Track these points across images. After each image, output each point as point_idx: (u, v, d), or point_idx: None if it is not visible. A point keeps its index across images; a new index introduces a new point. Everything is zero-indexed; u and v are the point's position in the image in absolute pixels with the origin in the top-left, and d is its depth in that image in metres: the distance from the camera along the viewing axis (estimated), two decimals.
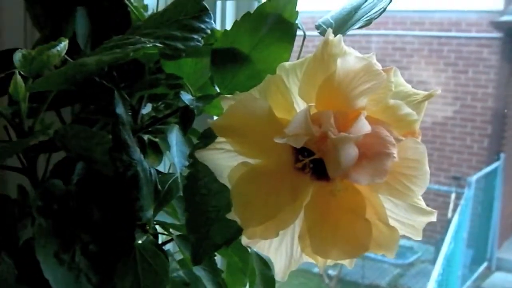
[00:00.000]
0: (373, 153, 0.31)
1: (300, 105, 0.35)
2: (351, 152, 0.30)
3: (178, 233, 0.47)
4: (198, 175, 0.38)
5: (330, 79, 0.33)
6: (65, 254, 0.39)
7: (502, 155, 4.68)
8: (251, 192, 0.35)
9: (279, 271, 0.36)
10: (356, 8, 0.44)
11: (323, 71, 0.34)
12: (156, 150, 0.55)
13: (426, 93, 0.34)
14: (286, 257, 0.36)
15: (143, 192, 0.39)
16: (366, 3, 0.43)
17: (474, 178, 4.00)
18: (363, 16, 0.42)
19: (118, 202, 0.42)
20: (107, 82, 0.49)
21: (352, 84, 0.32)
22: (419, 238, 0.35)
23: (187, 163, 0.44)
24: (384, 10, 0.41)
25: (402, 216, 0.34)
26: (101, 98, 0.49)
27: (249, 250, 0.51)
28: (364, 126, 0.31)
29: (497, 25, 4.68)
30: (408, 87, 0.35)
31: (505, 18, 4.61)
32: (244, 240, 0.36)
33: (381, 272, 4.56)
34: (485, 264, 4.66)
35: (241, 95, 0.36)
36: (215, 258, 0.50)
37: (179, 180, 0.44)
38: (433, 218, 0.34)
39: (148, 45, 0.35)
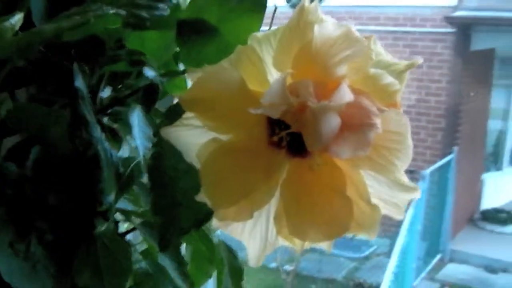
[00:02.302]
0: (355, 124, 0.29)
1: (274, 76, 0.33)
2: (333, 122, 0.28)
3: (141, 220, 0.44)
4: (164, 155, 0.36)
5: (307, 47, 0.31)
6: (20, 243, 0.36)
7: (455, 149, 4.81)
8: (222, 170, 0.32)
9: (253, 256, 0.33)
10: None
11: (299, 39, 0.31)
12: (115, 137, 0.51)
13: (407, 62, 0.32)
14: (260, 240, 0.33)
15: (104, 174, 0.36)
16: None
17: (428, 171, 4.09)
18: None
19: (77, 186, 0.38)
20: (65, 61, 0.45)
21: (331, 52, 0.30)
22: (402, 217, 0.33)
23: (150, 146, 0.41)
24: None
25: (385, 193, 0.32)
26: (58, 78, 0.45)
27: (215, 239, 0.48)
28: (346, 95, 0.28)
29: (451, 20, 4.80)
30: (388, 57, 0.33)
31: (458, 13, 4.73)
32: (215, 223, 0.33)
33: (338, 266, 4.62)
34: (438, 256, 4.78)
35: (210, 67, 0.33)
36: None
37: (142, 163, 0.41)
38: (417, 195, 0.32)
39: (111, 12, 0.32)
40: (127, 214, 0.42)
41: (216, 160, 0.32)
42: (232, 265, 0.47)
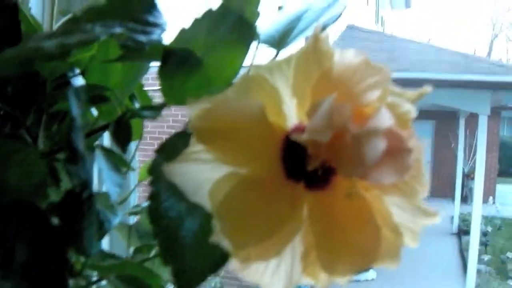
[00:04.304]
0: (392, 149, 0.28)
1: (289, 105, 0.31)
2: (378, 146, 0.27)
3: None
4: (162, 195, 0.32)
5: (327, 74, 0.30)
6: None
7: None
8: (245, 207, 0.30)
9: None
10: (298, 18, 0.42)
11: (316, 67, 0.31)
12: (55, 179, 0.46)
13: (416, 92, 0.33)
14: (285, 280, 0.31)
15: (93, 219, 0.31)
16: (308, 12, 0.42)
17: None
18: (310, 25, 0.40)
19: (48, 237, 0.33)
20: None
21: (354, 79, 0.30)
22: (416, 245, 0.33)
23: (119, 190, 0.37)
24: (339, 16, 0.40)
25: (406, 220, 0.32)
26: None
27: None
28: (387, 119, 0.28)
29: None
30: (394, 86, 0.34)
31: None
32: (235, 264, 0.30)
33: None
34: None
35: (217, 97, 0.31)
36: None
37: (115, 210, 0.37)
38: (437, 220, 0.32)
39: (117, 31, 0.28)
40: (97, 269, 0.37)
41: (236, 197, 0.30)
42: None
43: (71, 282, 0.35)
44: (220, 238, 0.29)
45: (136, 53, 0.31)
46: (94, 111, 0.45)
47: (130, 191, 0.52)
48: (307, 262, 0.30)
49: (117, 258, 0.46)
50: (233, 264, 0.30)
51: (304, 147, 0.29)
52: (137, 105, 0.45)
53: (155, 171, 0.32)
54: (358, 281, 5.82)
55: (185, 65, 0.36)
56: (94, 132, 0.40)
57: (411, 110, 0.31)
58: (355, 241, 0.30)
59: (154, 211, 0.31)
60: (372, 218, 0.30)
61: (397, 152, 0.28)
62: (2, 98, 0.40)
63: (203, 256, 0.31)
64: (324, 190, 0.31)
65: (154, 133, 5.12)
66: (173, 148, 0.32)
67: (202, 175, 0.31)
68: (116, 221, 0.37)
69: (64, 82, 0.42)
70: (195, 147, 0.31)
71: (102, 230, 0.35)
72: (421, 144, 0.31)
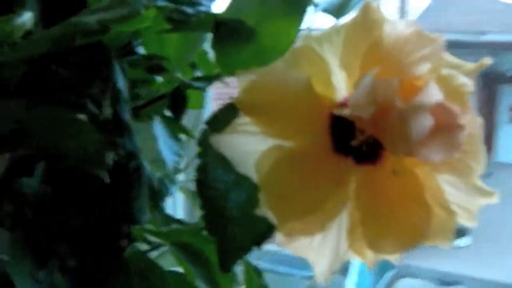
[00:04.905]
0: (442, 125, 0.27)
1: (338, 77, 0.30)
2: (424, 123, 0.26)
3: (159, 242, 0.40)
4: (210, 166, 0.32)
5: (377, 45, 0.29)
6: (41, 271, 0.32)
7: None
8: (289, 180, 0.29)
9: (323, 272, 0.31)
10: None
11: (366, 38, 0.29)
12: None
13: (476, 64, 0.31)
14: (331, 255, 0.31)
15: (142, 190, 0.32)
16: None
17: None
18: None
19: (102, 204, 0.34)
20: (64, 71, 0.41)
21: (405, 50, 0.28)
22: (474, 224, 0.31)
23: (176, 158, 0.38)
24: None
25: (460, 199, 0.30)
26: (56, 90, 0.41)
27: None
28: (435, 94, 0.26)
29: None
30: (450, 57, 0.32)
31: None
32: (279, 238, 0.30)
33: (292, 285, 4.59)
34: (392, 271, 4.83)
35: (264, 69, 0.30)
36: None
37: (172, 177, 0.38)
38: (495, 200, 0.30)
39: (161, 4, 0.29)
40: (155, 235, 0.39)
41: (281, 170, 0.29)
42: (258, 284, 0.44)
43: (130, 246, 0.36)
44: (265, 210, 0.29)
45: (183, 24, 0.31)
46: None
47: (193, 158, 0.53)
48: (353, 238, 0.30)
49: (181, 224, 0.48)
50: (278, 238, 0.30)
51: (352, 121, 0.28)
52: (198, 74, 0.45)
53: (203, 142, 0.33)
54: (454, 247, 5.65)
55: (237, 35, 0.36)
56: (153, 101, 0.41)
57: (468, 83, 0.29)
58: (402, 219, 0.29)
59: (202, 181, 0.32)
60: (422, 195, 0.29)
61: (447, 128, 0.27)
62: (67, 68, 0.42)
63: (247, 228, 0.31)
64: (373, 165, 0.30)
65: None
66: (222, 119, 0.32)
67: (249, 147, 0.31)
68: (173, 188, 0.38)
69: (129, 51, 0.43)
70: (243, 119, 0.31)
71: (158, 198, 0.36)
72: (477, 119, 0.29)
